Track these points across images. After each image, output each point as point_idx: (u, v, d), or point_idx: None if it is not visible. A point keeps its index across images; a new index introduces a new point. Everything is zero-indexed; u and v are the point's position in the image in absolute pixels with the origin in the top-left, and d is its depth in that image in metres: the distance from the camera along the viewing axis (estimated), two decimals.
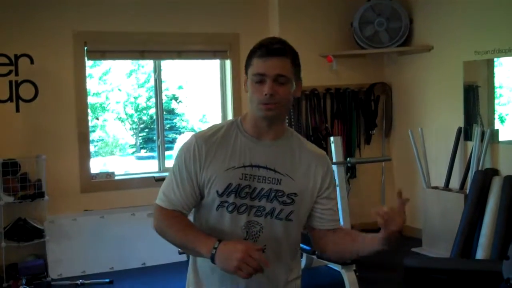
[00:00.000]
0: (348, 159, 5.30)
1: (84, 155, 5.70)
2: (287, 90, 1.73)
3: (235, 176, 1.75)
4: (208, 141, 1.80)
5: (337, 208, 1.90)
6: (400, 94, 6.46)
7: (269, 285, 1.82)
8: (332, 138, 5.09)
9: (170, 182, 1.82)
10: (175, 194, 1.80)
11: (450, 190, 5.54)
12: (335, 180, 1.91)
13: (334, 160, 4.95)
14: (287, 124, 1.92)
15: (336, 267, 4.19)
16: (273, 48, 1.71)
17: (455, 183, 5.56)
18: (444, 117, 5.82)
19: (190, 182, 1.80)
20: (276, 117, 1.76)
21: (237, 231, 1.77)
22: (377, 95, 6.54)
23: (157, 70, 6.26)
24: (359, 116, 6.48)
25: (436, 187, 5.67)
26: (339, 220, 1.90)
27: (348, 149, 6.28)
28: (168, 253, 5.29)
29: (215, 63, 6.51)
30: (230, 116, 6.27)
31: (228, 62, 6.25)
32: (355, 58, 6.43)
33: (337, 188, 5.03)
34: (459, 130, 5.55)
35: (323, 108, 6.30)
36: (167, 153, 6.69)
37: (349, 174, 5.96)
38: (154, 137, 6.42)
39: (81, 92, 5.67)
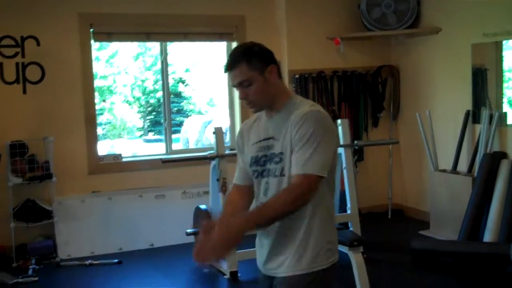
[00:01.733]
0: (355, 141, 5.30)
1: (92, 137, 5.71)
2: (255, 88, 1.99)
3: (256, 149, 2.09)
4: (244, 127, 2.21)
5: (305, 155, 1.92)
6: (407, 77, 6.42)
7: (282, 238, 2.02)
8: (339, 121, 5.07)
9: None
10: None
11: (458, 173, 5.53)
12: (314, 135, 1.92)
13: (341, 142, 4.94)
14: (291, 94, 2.12)
15: (343, 248, 4.19)
16: (227, 64, 2.04)
17: (463, 166, 5.55)
18: (452, 100, 5.78)
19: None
20: (264, 107, 2.06)
21: (260, 190, 2.09)
22: (384, 78, 6.50)
23: (164, 53, 6.24)
24: (366, 99, 6.45)
25: (444, 170, 5.65)
26: (301, 167, 1.91)
27: (356, 132, 6.25)
28: (176, 235, 5.34)
29: (222, 45, 6.49)
30: (237, 99, 6.26)
31: (234, 44, 6.22)
32: (363, 40, 6.39)
33: (344, 171, 5.04)
34: (467, 113, 5.52)
35: (330, 90, 6.28)
36: (174, 136, 6.70)
37: (356, 156, 5.96)
38: (162, 120, 6.41)
39: (88, 74, 5.67)
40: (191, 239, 5.10)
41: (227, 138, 6.48)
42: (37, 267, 4.92)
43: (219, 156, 4.68)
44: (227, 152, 4.80)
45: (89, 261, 5.08)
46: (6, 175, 5.17)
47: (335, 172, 2.12)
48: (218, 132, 4.75)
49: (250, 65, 1.98)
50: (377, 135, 6.48)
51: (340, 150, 4.93)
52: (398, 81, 6.50)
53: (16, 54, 5.38)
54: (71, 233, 5.33)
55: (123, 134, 10.67)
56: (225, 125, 6.49)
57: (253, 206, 2.12)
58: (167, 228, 5.52)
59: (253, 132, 2.13)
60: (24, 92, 5.43)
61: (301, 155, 1.92)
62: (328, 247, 2.02)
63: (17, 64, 5.38)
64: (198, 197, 5.68)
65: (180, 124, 9.96)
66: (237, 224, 1.86)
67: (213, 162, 4.78)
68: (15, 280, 4.62)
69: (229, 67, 2.02)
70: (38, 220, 5.23)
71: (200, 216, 5.02)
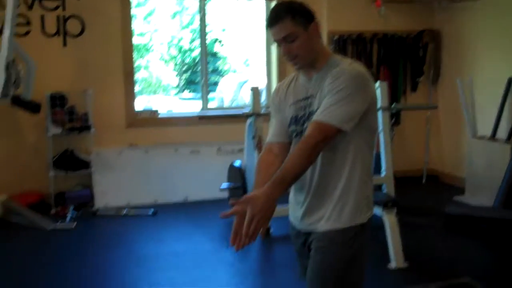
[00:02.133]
0: (393, 104, 5.24)
1: (130, 92, 5.78)
2: (300, 43, 1.95)
3: (295, 109, 2.05)
4: (281, 86, 2.17)
5: (328, 104, 1.88)
6: (449, 42, 6.28)
7: (321, 193, 2.00)
8: (377, 83, 5.01)
9: None
10: None
11: (496, 140, 5.43)
12: (345, 89, 1.88)
13: (379, 105, 4.88)
14: (331, 54, 2.06)
15: (377, 210, 4.19)
16: (270, 19, 1.97)
17: (502, 133, 5.45)
18: (495, 66, 5.64)
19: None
20: (306, 63, 2.00)
21: None
22: (425, 42, 6.37)
23: (202, 10, 6.21)
24: (406, 62, 6.34)
25: (482, 137, 5.56)
26: (320, 114, 1.89)
27: (394, 96, 6.16)
28: (210, 190, 5.41)
29: (259, 4, 6.43)
30: (274, 59, 6.24)
31: (273, 3, 6.15)
32: (405, 3, 6.23)
33: (381, 134, 5.00)
34: (509, 80, 5.39)
35: (369, 53, 6.19)
36: (209, 95, 6.72)
37: (393, 120, 5.90)
38: (197, 79, 6.44)
39: (127, 29, 5.70)
40: (225, 194, 5.18)
41: (263, 98, 6.46)
42: (74, 214, 5.06)
43: (256, 114, 4.69)
44: (263, 110, 4.80)
45: (125, 211, 5.20)
46: (46, 125, 5.29)
47: (375, 133, 2.08)
48: (255, 90, 4.76)
49: (294, 20, 1.95)
50: (415, 99, 6.39)
51: (378, 113, 4.88)
52: (440, 46, 6.36)
53: (57, 7, 5.43)
54: (108, 183, 5.44)
55: (159, 91, 10.75)
56: (261, 85, 6.48)
57: None
58: (201, 183, 5.59)
59: (291, 92, 2.09)
60: (65, 44, 5.49)
61: (324, 104, 1.89)
62: (366, 202, 2.02)
63: (58, 17, 5.44)
64: (232, 154, 5.72)
65: (215, 83, 9.97)
66: (265, 196, 1.79)
67: (249, 120, 4.79)
68: (53, 227, 4.77)
69: (272, 22, 1.97)
70: (76, 169, 5.36)
71: (234, 172, 5.07)
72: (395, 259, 3.89)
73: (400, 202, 4.57)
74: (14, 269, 3.93)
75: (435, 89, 6.48)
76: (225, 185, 5.12)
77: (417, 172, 6.42)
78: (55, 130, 5.26)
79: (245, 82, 9.39)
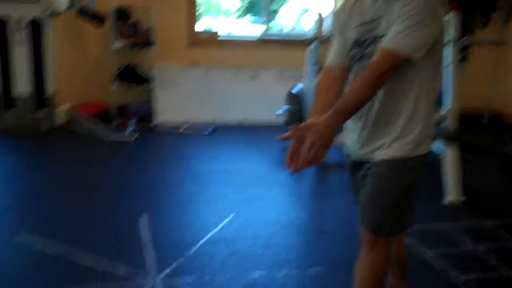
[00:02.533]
0: (464, 37, 5.03)
1: (192, 11, 5.76)
2: None
3: (359, 31, 1.94)
4: (345, 6, 2.04)
5: (398, 30, 1.78)
6: None
7: (385, 121, 1.94)
8: (451, 14, 4.80)
9: None
10: None
11: None
12: (415, 15, 1.78)
13: (449, 38, 4.70)
14: None
15: (436, 145, 4.12)
16: None
17: None
18: None
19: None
20: None
21: (359, 76, 1.91)
22: None
23: None
24: None
25: None
26: (388, 40, 1.79)
27: (463, 31, 5.91)
28: (266, 114, 5.43)
29: None
30: None
31: None
32: None
33: (448, 68, 4.84)
34: None
35: None
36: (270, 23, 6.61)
37: (460, 56, 5.68)
38: (258, 5, 6.33)
39: None
40: (281, 120, 5.18)
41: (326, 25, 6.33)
42: (135, 127, 5.19)
43: (319, 39, 4.60)
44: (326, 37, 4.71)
45: (183, 128, 5.29)
46: (111, 38, 5.34)
47: (440, 65, 1.99)
48: (320, 16, 4.67)
49: None
50: (485, 37, 6.13)
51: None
52: None
53: None
54: (168, 100, 5.52)
55: (219, 15, 10.63)
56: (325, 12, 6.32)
57: None
58: (259, 107, 5.61)
59: (356, 13, 1.99)
60: None
61: (393, 31, 1.79)
62: (427, 134, 1.96)
63: None
64: (291, 80, 5.67)
65: (275, 11, 9.78)
66: (325, 124, 1.74)
67: (312, 45, 4.71)
68: (114, 138, 4.90)
69: None
70: (138, 84, 5.45)
71: (292, 98, 5.04)
72: (453, 193, 3.85)
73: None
74: (72, 177, 4.07)
75: (507, 27, 6.18)
76: (282, 110, 5.11)
77: (479, 111, 6.25)
78: (118, 43, 5.32)
79: (306, 10, 9.15)
